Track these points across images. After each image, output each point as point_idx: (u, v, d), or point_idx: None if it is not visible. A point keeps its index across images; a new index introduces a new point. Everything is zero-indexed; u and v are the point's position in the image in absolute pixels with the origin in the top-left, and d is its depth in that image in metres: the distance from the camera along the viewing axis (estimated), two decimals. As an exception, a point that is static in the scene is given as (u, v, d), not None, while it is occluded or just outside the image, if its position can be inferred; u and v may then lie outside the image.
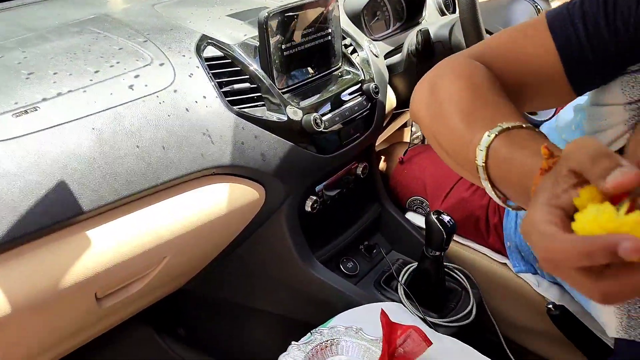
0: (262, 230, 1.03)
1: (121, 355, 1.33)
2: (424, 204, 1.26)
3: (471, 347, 0.90)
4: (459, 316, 1.04)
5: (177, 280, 1.05)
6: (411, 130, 1.74)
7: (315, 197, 1.05)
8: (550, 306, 1.02)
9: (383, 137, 1.60)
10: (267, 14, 0.91)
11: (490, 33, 1.14)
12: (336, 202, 1.13)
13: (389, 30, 1.40)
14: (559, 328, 1.02)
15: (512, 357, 1.07)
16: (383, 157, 1.46)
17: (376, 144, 1.55)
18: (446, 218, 1.00)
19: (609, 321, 0.95)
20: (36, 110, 0.73)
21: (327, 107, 1.01)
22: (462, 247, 1.18)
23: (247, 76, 0.94)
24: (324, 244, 1.12)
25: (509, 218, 1.09)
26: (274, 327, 1.17)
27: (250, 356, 1.24)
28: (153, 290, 0.96)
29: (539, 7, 1.28)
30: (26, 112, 0.72)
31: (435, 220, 0.99)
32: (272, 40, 0.93)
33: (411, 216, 1.28)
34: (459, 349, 0.89)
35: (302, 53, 0.99)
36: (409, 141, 1.64)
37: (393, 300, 1.06)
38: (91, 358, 1.26)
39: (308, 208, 1.05)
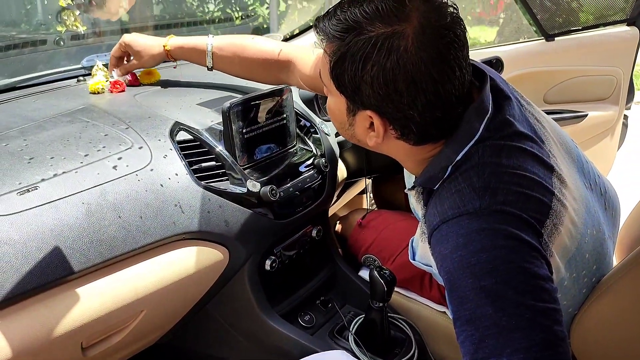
0: (227, 288, 1.18)
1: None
2: (376, 262, 1.42)
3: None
4: (402, 360, 1.19)
5: (155, 333, 1.18)
6: (368, 197, 1.93)
7: (274, 257, 1.21)
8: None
9: (342, 203, 1.78)
10: (229, 105, 1.10)
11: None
12: (294, 261, 1.29)
13: (342, 111, 1.60)
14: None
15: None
16: (340, 221, 1.63)
17: (337, 210, 1.73)
18: (386, 273, 1.16)
19: None
20: (36, 189, 0.89)
21: (283, 180, 1.19)
22: (407, 299, 1.33)
23: (214, 155, 1.12)
24: (283, 299, 1.27)
25: None
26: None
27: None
28: (133, 342, 1.09)
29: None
30: (28, 190, 0.88)
31: (377, 275, 1.15)
32: (234, 126, 1.11)
33: (364, 273, 1.44)
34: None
35: (261, 135, 1.18)
36: (366, 207, 1.82)
37: (345, 349, 1.20)
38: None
39: (268, 267, 1.20)
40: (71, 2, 1.44)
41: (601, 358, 1.05)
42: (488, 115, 0.84)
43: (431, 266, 0.97)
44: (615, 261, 1.12)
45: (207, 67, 1.30)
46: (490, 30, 6.79)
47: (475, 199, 0.78)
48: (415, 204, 1.01)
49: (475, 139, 0.83)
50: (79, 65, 1.47)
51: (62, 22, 1.41)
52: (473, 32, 6.65)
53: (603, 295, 0.97)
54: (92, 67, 1.40)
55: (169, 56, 1.32)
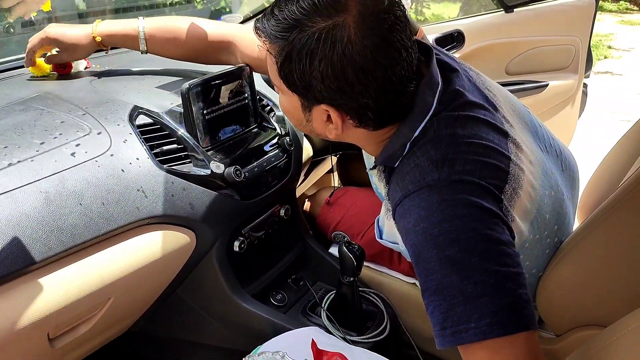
0: (196, 271, 1.17)
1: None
2: (345, 238, 1.43)
3: (380, 356, 1.06)
4: (374, 333, 1.20)
5: (125, 321, 1.17)
6: (334, 175, 1.93)
7: (242, 239, 1.20)
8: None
9: (310, 182, 1.78)
10: (188, 86, 1.08)
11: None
12: (263, 241, 1.28)
13: (305, 89, 1.60)
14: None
15: (426, 365, 1.23)
16: (309, 200, 1.63)
17: (305, 189, 1.73)
18: (355, 247, 1.17)
19: None
20: (-10, 179, 0.86)
21: (248, 160, 1.18)
22: (377, 273, 1.35)
23: (175, 138, 1.10)
24: (253, 279, 1.27)
25: None
26: (215, 358, 1.29)
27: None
28: (102, 330, 1.08)
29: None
30: (-18, 181, 0.86)
31: (346, 250, 1.16)
32: (194, 107, 1.10)
33: (334, 250, 1.44)
34: (369, 357, 1.04)
35: (223, 116, 1.16)
36: (333, 185, 1.82)
37: (318, 325, 1.21)
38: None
39: (236, 248, 1.19)
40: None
41: (566, 319, 1.08)
42: (439, 89, 0.85)
43: (397, 243, 0.99)
44: (576, 225, 1.15)
45: (141, 51, 1.24)
46: (453, 6, 6.83)
47: (434, 171, 0.80)
48: (378, 183, 1.02)
49: (430, 113, 0.84)
50: (32, 53, 1.42)
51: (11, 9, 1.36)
52: (437, 9, 6.67)
53: (564, 258, 1.00)
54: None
55: (100, 45, 1.24)
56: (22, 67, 1.38)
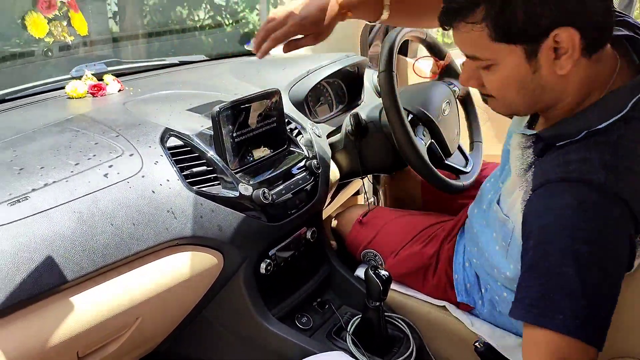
0: (223, 293, 1.18)
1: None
2: (376, 257, 1.42)
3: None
4: (400, 359, 1.18)
5: (152, 341, 1.18)
6: (365, 197, 1.93)
7: (269, 261, 1.21)
8: (477, 344, 1.17)
9: (336, 204, 1.78)
10: (218, 109, 1.10)
11: (410, 112, 1.36)
12: (289, 263, 1.29)
13: (332, 113, 1.61)
14: (484, 362, 1.17)
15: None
16: (337, 218, 1.62)
17: (332, 211, 1.73)
18: (382, 272, 1.16)
19: None
20: (27, 199, 0.89)
21: (275, 182, 1.19)
22: (405, 296, 1.33)
23: (205, 160, 1.12)
24: (279, 301, 1.27)
25: (458, 258, 1.27)
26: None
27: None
28: (130, 350, 1.09)
29: (456, 88, 1.51)
30: (19, 201, 0.88)
31: (373, 274, 1.15)
32: (224, 130, 1.11)
33: (361, 272, 1.43)
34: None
35: (252, 138, 1.18)
36: (366, 204, 1.82)
37: (343, 349, 1.20)
38: None
39: (263, 270, 1.20)
40: (59, 13, 1.44)
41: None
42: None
43: (508, 217, 1.00)
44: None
45: (379, 21, 1.10)
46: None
47: (601, 174, 0.80)
48: (516, 149, 0.99)
49: (621, 114, 0.84)
50: (68, 76, 1.47)
51: (50, 33, 1.40)
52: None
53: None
54: (81, 77, 1.41)
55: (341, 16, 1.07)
56: (60, 88, 1.42)
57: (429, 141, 1.35)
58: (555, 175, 0.84)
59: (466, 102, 1.56)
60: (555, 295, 0.78)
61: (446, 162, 1.40)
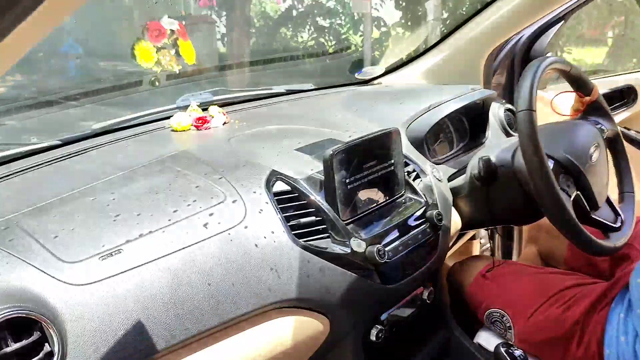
0: (327, 360, 1.04)
1: None
2: (504, 318, 1.22)
3: None
4: None
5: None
6: (480, 242, 1.72)
7: (380, 326, 1.05)
8: None
9: (449, 253, 1.59)
10: (332, 152, 0.96)
11: (552, 158, 1.15)
12: (402, 329, 1.12)
13: (453, 151, 1.44)
14: None
15: None
16: (453, 271, 1.44)
17: (449, 269, 1.54)
18: (517, 352, 0.97)
19: None
20: (120, 252, 0.79)
21: (391, 236, 1.03)
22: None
23: (313, 209, 0.99)
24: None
25: (611, 329, 1.06)
26: None
27: None
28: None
29: (603, 128, 1.28)
30: (111, 254, 0.79)
31: (504, 353, 0.97)
32: (337, 176, 0.98)
33: (484, 340, 1.24)
34: None
35: (366, 185, 1.03)
36: (487, 254, 1.61)
37: None
38: None
39: (374, 337, 1.04)
40: (168, 42, 1.38)
41: None
42: None
43: None
44: None
45: None
46: (597, 50, 6.30)
47: None
48: None
49: None
50: (174, 106, 1.41)
51: (158, 62, 1.35)
52: (579, 54, 6.19)
53: None
54: (187, 107, 1.34)
55: None
56: (165, 118, 1.36)
57: (575, 193, 1.14)
58: None
59: (615, 145, 1.32)
60: None
61: (592, 216, 1.17)
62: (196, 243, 0.84)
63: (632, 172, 1.33)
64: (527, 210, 1.21)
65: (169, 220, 0.86)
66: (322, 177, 1.00)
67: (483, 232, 1.82)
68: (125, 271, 0.77)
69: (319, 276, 0.93)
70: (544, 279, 1.22)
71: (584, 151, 1.18)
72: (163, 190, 0.94)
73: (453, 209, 1.25)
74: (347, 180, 1.00)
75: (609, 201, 1.25)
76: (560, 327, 1.11)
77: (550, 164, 1.16)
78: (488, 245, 1.86)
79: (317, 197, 1.00)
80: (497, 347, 0.98)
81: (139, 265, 0.79)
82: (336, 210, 0.99)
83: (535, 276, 1.24)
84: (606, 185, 1.24)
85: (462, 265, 1.42)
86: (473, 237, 1.79)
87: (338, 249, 0.96)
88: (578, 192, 1.14)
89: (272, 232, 0.92)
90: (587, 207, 1.16)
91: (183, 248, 0.83)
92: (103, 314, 0.73)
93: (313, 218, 0.98)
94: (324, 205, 0.99)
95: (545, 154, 1.07)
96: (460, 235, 1.43)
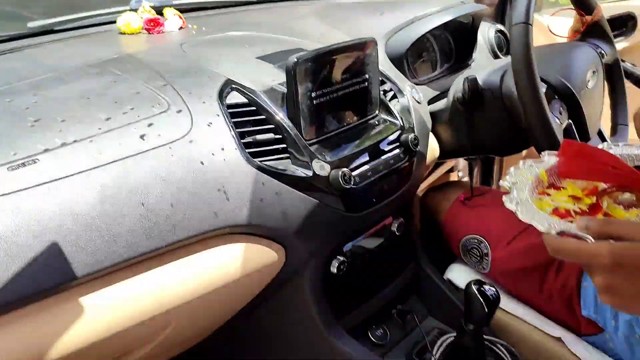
0: (282, 293, 0.94)
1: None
2: (482, 245, 1.13)
3: None
4: (500, 401, 0.92)
5: (185, 345, 0.97)
6: (458, 176, 1.63)
7: (342, 258, 0.95)
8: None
9: (424, 185, 1.49)
10: (296, 60, 0.83)
11: (546, 82, 1.03)
12: (367, 262, 1.03)
13: (435, 73, 1.31)
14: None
15: None
16: (428, 197, 1.34)
17: (424, 194, 1.44)
18: (489, 290, 0.89)
19: None
20: (35, 162, 0.67)
21: (359, 160, 0.92)
22: (511, 317, 1.05)
23: (272, 125, 0.86)
24: (351, 309, 1.02)
25: None
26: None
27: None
28: (156, 356, 0.88)
29: (603, 52, 1.16)
30: (23, 164, 0.66)
31: (476, 291, 0.88)
32: (301, 88, 0.85)
33: (455, 275, 1.16)
34: None
35: (334, 101, 0.91)
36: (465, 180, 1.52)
37: (426, 377, 0.95)
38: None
39: (334, 269, 0.95)
40: None
41: None
42: None
43: None
44: None
45: None
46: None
47: None
48: None
49: None
50: (127, 7, 1.24)
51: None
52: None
53: None
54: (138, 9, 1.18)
55: None
56: (113, 22, 1.20)
57: (567, 122, 1.03)
58: None
59: (613, 71, 1.21)
60: None
61: (582, 148, 1.07)
62: (130, 156, 0.72)
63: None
64: (513, 139, 1.11)
65: (99, 128, 0.73)
66: (285, 90, 0.88)
67: (461, 164, 1.73)
68: (40, 184, 0.65)
69: (275, 201, 0.82)
70: None
71: (580, 76, 1.06)
72: (96, 95, 0.80)
73: (431, 134, 1.14)
74: (313, 95, 0.87)
75: (600, 133, 1.15)
76: (540, 255, 1.03)
77: (543, 88, 1.05)
78: (466, 179, 1.77)
79: (278, 112, 0.87)
80: (468, 284, 0.89)
81: (59, 179, 0.66)
82: (298, 128, 0.87)
83: None
84: (600, 115, 1.14)
85: (438, 192, 1.32)
86: (451, 170, 1.69)
87: (298, 171, 0.85)
88: (570, 121, 1.04)
89: (222, 149, 0.80)
90: (578, 138, 1.06)
91: (114, 161, 0.71)
92: (11, 233, 0.61)
93: (271, 135, 0.86)
94: (285, 122, 0.86)
95: (538, 76, 0.96)
96: (437, 165, 1.32)
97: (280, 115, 0.87)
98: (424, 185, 1.53)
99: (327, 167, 0.86)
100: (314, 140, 0.89)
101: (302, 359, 0.99)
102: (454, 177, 1.73)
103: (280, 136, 0.86)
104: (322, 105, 0.89)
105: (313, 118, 0.88)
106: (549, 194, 0.69)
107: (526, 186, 0.69)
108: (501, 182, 0.73)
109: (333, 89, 0.90)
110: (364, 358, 0.94)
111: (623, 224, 0.54)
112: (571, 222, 0.59)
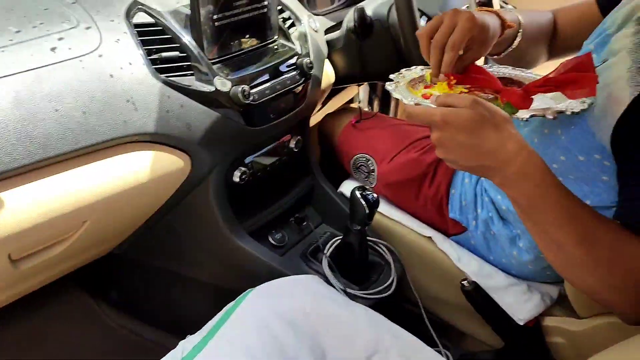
0: (190, 199, 1.05)
1: (53, 318, 1.34)
2: (369, 162, 1.28)
3: (382, 316, 0.94)
4: (379, 289, 1.08)
5: (104, 245, 1.06)
6: (359, 106, 1.76)
7: (244, 169, 1.07)
8: (465, 282, 1.07)
9: (326, 111, 1.62)
10: (198, -18, 0.91)
11: (425, 14, 1.17)
12: (267, 173, 1.15)
13: (334, 5, 1.41)
14: (470, 303, 1.07)
15: (431, 328, 1.12)
16: (325, 122, 1.46)
17: (321, 119, 1.57)
18: (370, 194, 1.03)
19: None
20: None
21: (259, 80, 1.02)
22: (390, 221, 1.21)
23: (177, 45, 0.94)
24: (252, 215, 1.14)
25: (458, 172, 1.16)
26: (203, 294, 1.19)
27: (181, 322, 1.26)
28: (76, 254, 0.97)
29: (477, -9, 1.30)
30: None
31: (359, 196, 1.02)
32: (203, 10, 0.93)
33: (346, 188, 1.31)
34: (369, 317, 0.92)
35: (235, 24, 1.00)
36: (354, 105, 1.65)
37: (317, 272, 1.10)
38: (21, 319, 1.27)
39: (236, 179, 1.06)
40: None
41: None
42: None
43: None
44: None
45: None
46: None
47: None
48: (632, 35, 0.78)
49: None
50: None
51: None
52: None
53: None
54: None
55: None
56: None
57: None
58: None
59: (486, 6, 1.36)
60: None
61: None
62: (43, 67, 0.78)
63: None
64: (399, 67, 1.24)
65: (10, 40, 0.78)
66: (189, 11, 0.95)
67: (362, 94, 1.87)
68: (-46, 88, 0.70)
69: (180, 112, 0.91)
70: (407, 129, 1.28)
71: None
72: (4, 10, 0.84)
73: (327, 61, 1.25)
74: (215, 17, 0.95)
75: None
76: (417, 168, 1.18)
77: (423, 21, 1.18)
78: (368, 108, 1.91)
79: (182, 33, 0.95)
80: (352, 190, 1.04)
81: (-28, 84, 0.72)
82: (202, 47, 0.95)
83: (399, 127, 1.30)
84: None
85: (333, 117, 1.45)
86: (351, 101, 1.82)
87: (202, 86, 0.94)
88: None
89: (130, 64, 0.87)
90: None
91: (27, 70, 0.76)
92: None
93: (176, 53, 0.94)
94: (189, 41, 0.95)
95: (417, 8, 1.08)
96: (335, 92, 1.44)
97: (185, 35, 0.94)
98: (325, 113, 1.66)
99: (228, 83, 0.95)
100: (217, 60, 0.98)
101: (210, 258, 1.11)
102: (354, 107, 1.86)
103: (185, 55, 0.94)
104: (223, 27, 0.97)
105: (215, 39, 0.97)
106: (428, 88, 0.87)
107: (410, 78, 0.90)
108: (391, 75, 0.90)
109: (234, 13, 0.98)
110: (262, 256, 1.07)
111: (456, 97, 0.70)
112: None
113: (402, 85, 0.86)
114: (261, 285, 0.96)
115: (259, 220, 1.15)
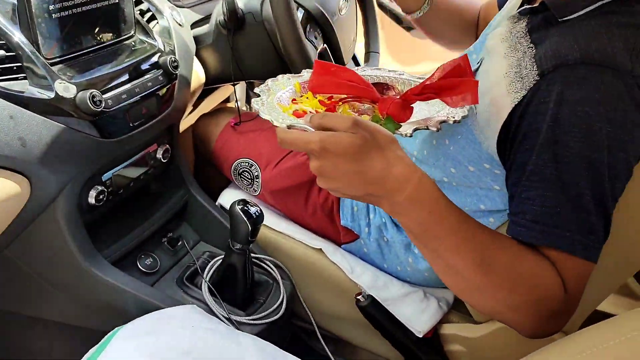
0: (33, 228, 0.86)
1: None
2: (252, 168, 1.16)
3: (273, 345, 0.84)
4: (267, 312, 0.97)
5: None
6: (237, 106, 1.64)
7: (101, 187, 0.90)
8: (360, 297, 0.99)
9: (198, 114, 1.47)
10: (23, -35, 0.73)
11: (302, 7, 1.07)
12: (131, 190, 0.99)
13: (202, -3, 1.27)
14: (367, 319, 1.00)
15: (325, 347, 1.04)
16: (200, 124, 1.32)
17: (194, 122, 1.42)
18: (252, 209, 0.92)
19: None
20: None
21: (113, 82, 0.87)
22: (277, 234, 1.11)
23: (4, 42, 0.76)
24: (115, 239, 0.98)
25: None
26: (59, 336, 1.00)
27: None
28: None
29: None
30: None
31: (239, 210, 0.91)
32: (35, 1, 0.76)
33: (226, 199, 1.18)
34: (258, 348, 0.82)
35: (79, 17, 0.83)
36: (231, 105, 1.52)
37: (197, 299, 0.96)
38: None
39: (92, 200, 0.89)
40: None
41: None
42: None
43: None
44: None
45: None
46: None
47: (626, 59, 0.64)
48: (505, 34, 0.75)
49: None
50: None
51: None
52: None
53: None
54: None
55: None
56: None
57: (322, 46, 1.08)
58: (574, 57, 0.65)
59: (365, 2, 1.29)
60: (562, 210, 0.64)
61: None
62: None
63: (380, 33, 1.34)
64: (274, 64, 1.14)
65: None
66: (16, 1, 0.77)
67: (239, 93, 1.74)
68: None
69: (10, 125, 0.73)
70: None
71: (333, 3, 1.12)
72: None
73: (196, 59, 1.12)
74: (51, 7, 0.78)
75: (355, 59, 1.24)
76: (305, 173, 1.09)
77: (300, 13, 1.09)
78: (246, 108, 1.79)
79: (11, 28, 0.77)
80: (232, 204, 0.92)
81: None
82: (36, 45, 0.78)
83: None
84: (353, 42, 1.22)
85: (209, 118, 1.31)
86: (227, 100, 1.69)
87: (38, 92, 0.77)
88: (325, 46, 1.09)
89: (-61, 67, 0.68)
90: (333, 61, 1.13)
91: None
92: None
93: (3, 53, 0.76)
94: (19, 38, 0.77)
95: (294, 1, 0.98)
96: (207, 92, 1.31)
97: (14, 32, 0.77)
98: (197, 116, 1.52)
99: (73, 88, 0.79)
100: (57, 60, 0.81)
101: (65, 295, 0.93)
102: (231, 107, 1.73)
103: (14, 54, 0.77)
104: (64, 20, 0.81)
105: (53, 35, 0.80)
106: (298, 102, 0.74)
107: (278, 92, 0.75)
108: (256, 89, 0.76)
109: (76, 3, 0.82)
110: (128, 287, 0.91)
111: (333, 117, 0.60)
112: None
113: (269, 102, 0.74)
114: (129, 322, 0.82)
115: (124, 244, 0.98)
